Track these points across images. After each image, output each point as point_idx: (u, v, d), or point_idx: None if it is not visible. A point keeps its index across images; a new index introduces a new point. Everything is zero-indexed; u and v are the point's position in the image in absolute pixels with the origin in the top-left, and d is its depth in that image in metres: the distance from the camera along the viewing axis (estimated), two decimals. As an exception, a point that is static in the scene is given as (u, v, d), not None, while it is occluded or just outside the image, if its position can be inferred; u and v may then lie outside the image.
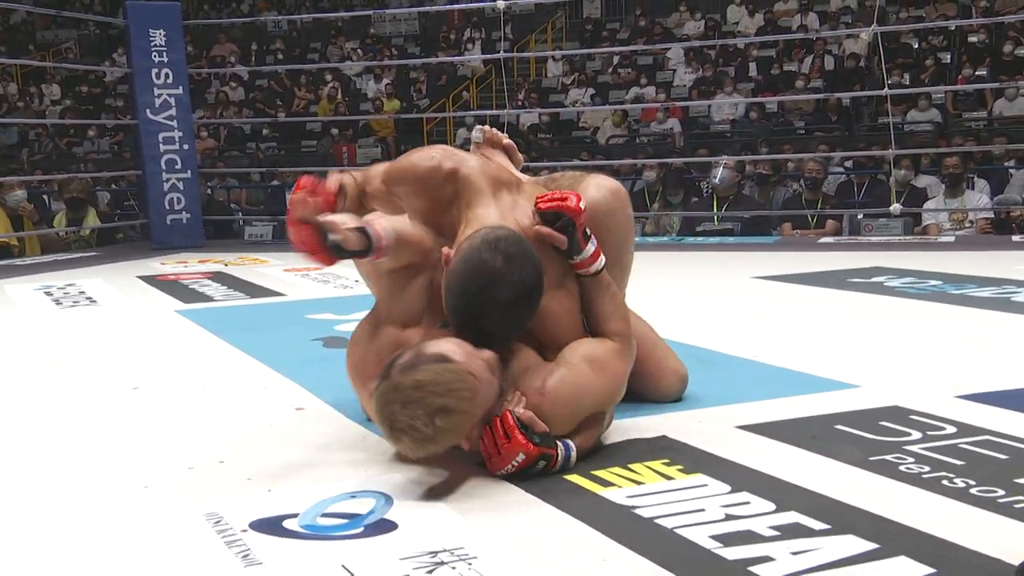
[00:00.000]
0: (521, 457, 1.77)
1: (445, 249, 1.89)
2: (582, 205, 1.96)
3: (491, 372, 1.75)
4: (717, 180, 6.75)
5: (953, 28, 11.61)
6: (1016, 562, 1.37)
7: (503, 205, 2.01)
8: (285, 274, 5.26)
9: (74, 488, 1.87)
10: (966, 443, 1.94)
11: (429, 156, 2.05)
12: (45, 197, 8.67)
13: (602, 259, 2.01)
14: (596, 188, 2.15)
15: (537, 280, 1.83)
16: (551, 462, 1.80)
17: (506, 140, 2.49)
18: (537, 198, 2.00)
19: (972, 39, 11.73)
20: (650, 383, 2.29)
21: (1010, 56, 10.94)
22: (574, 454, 1.84)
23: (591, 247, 1.98)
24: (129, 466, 1.99)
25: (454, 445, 1.76)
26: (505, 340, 1.86)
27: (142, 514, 1.71)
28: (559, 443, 1.82)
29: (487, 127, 2.50)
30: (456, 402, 1.66)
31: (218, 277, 5.18)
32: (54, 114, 14.21)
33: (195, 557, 1.51)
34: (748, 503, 1.65)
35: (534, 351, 1.94)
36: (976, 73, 10.75)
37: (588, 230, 1.99)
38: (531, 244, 1.88)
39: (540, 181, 2.27)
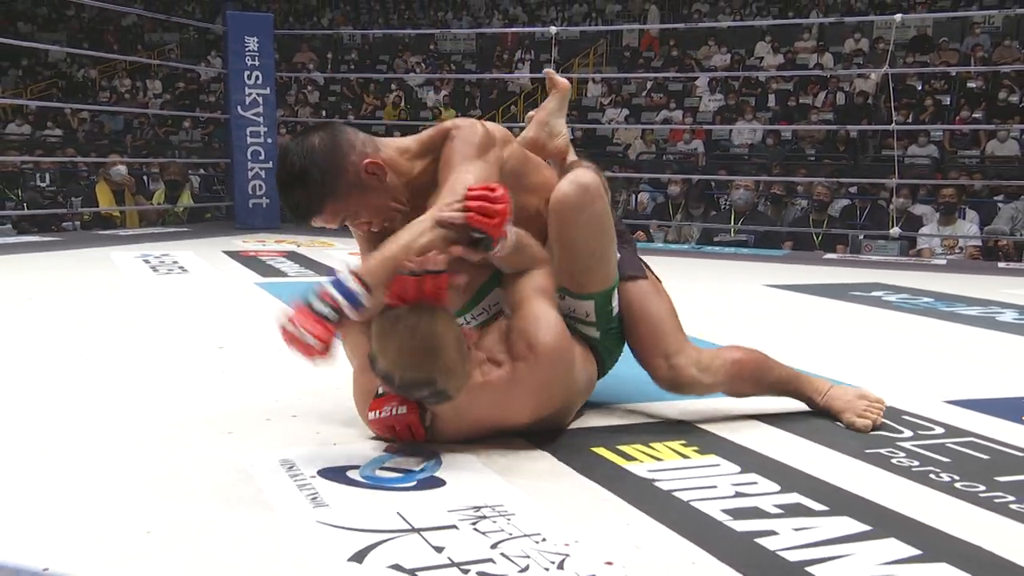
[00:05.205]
0: None
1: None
2: (507, 229, 1.71)
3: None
4: (740, 201, 6.69)
5: (954, 74, 11.45)
6: (994, 549, 1.36)
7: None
8: (351, 257, 5.29)
9: (166, 430, 1.90)
10: (952, 443, 1.92)
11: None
12: (145, 178, 8.79)
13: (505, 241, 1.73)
14: (568, 183, 1.84)
15: (308, 164, 1.74)
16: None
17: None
18: (469, 191, 1.70)
19: (971, 85, 11.54)
20: (643, 363, 2.03)
21: (1004, 102, 10.79)
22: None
23: (500, 245, 1.73)
24: (215, 414, 2.03)
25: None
26: (304, 218, 1.79)
27: (226, 456, 1.74)
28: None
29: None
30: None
31: (292, 256, 5.23)
32: (155, 106, 14.38)
33: (272, 496, 1.54)
34: (756, 483, 1.65)
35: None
36: (972, 115, 10.59)
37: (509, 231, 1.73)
38: (341, 137, 1.78)
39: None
